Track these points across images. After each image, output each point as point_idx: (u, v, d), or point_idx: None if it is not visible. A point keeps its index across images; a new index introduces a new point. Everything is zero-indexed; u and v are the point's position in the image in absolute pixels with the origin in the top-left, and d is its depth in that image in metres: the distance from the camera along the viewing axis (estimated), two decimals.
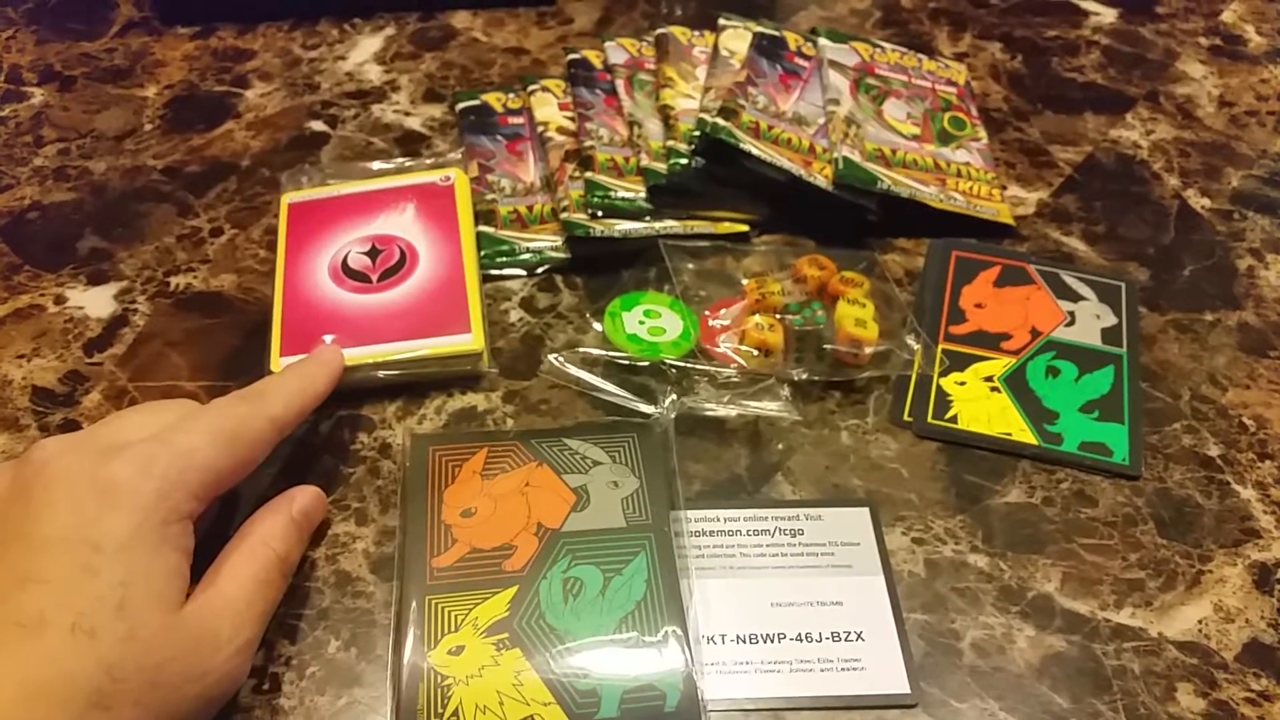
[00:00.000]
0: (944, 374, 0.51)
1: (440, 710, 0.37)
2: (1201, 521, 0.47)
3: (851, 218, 0.58)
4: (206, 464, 0.38)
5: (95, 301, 0.54)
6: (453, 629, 0.40)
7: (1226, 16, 0.74)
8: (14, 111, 0.65)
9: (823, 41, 0.64)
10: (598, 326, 0.51)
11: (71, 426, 0.49)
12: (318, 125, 0.64)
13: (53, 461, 0.36)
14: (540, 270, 0.56)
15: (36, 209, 0.59)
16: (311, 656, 0.41)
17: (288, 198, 0.56)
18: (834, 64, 0.63)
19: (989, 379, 0.51)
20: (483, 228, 0.56)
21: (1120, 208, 0.61)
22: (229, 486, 0.40)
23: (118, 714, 0.33)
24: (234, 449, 0.39)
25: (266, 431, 0.41)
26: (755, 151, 0.56)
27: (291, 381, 0.44)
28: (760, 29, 0.64)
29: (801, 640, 0.42)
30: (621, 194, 0.56)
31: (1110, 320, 0.54)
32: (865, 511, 0.46)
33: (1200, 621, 0.44)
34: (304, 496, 0.43)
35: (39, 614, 0.33)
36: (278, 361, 0.49)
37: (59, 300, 0.54)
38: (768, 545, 0.45)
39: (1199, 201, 0.61)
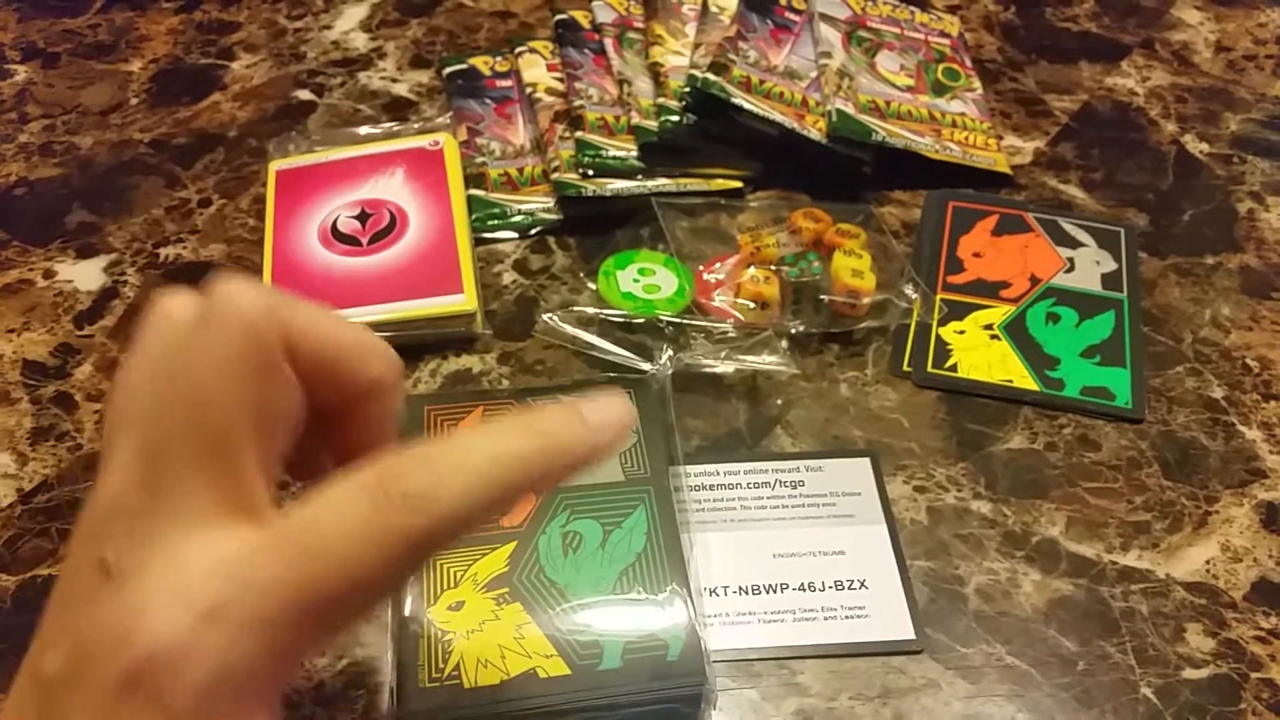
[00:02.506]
0: (943, 323, 0.51)
1: (441, 666, 0.37)
2: (1207, 463, 0.46)
3: (846, 171, 0.57)
4: (238, 672, 0.22)
5: (85, 275, 0.53)
6: (452, 585, 0.39)
7: None
8: None
9: None
10: (592, 286, 0.51)
11: (64, 398, 0.48)
12: (304, 94, 0.63)
13: None
14: (533, 232, 0.55)
15: (23, 185, 0.58)
16: None
17: (275, 165, 0.55)
18: (825, 17, 0.62)
19: (988, 327, 0.51)
20: (473, 191, 0.55)
21: (1118, 155, 0.60)
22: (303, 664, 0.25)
23: None
24: (309, 616, 0.23)
25: (398, 559, 0.23)
26: (747, 105, 0.55)
27: (511, 439, 0.25)
28: None
29: (804, 590, 0.42)
30: (613, 153, 0.56)
31: (1110, 266, 0.53)
32: (866, 462, 0.46)
33: (1208, 562, 0.43)
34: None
35: None
36: None
37: (48, 274, 0.54)
38: (768, 498, 0.44)
39: (1197, 146, 0.60)
